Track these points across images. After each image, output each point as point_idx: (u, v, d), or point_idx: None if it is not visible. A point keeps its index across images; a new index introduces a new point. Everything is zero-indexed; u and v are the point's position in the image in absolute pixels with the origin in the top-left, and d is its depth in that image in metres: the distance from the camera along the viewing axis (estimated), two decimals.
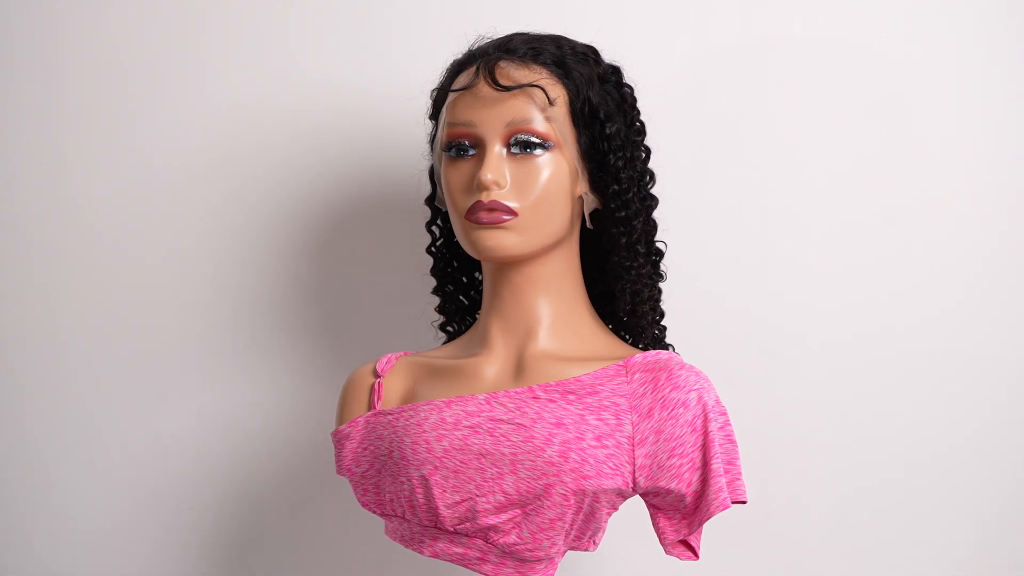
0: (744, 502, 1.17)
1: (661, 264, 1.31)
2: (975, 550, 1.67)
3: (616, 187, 1.21)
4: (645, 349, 1.30)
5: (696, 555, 1.21)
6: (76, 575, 1.69)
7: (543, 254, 1.22)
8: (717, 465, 1.15)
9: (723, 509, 1.14)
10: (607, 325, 1.33)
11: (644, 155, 1.27)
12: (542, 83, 1.18)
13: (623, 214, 1.22)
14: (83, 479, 1.68)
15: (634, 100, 1.27)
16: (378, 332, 1.65)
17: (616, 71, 1.26)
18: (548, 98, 1.17)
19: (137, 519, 1.68)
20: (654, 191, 1.29)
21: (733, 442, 1.19)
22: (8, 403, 1.69)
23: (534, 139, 1.17)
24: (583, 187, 1.22)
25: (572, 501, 1.15)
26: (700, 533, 1.21)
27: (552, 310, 1.24)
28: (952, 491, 1.67)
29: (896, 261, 1.65)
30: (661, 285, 1.32)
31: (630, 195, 1.22)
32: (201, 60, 1.66)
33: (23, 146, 1.67)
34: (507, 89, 1.17)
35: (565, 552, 1.21)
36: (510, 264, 1.22)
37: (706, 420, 1.16)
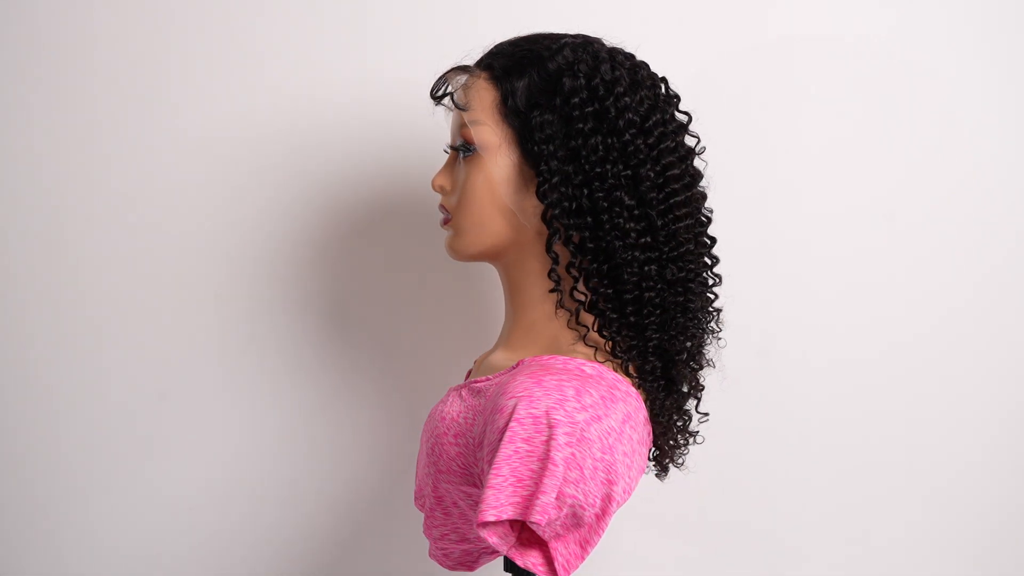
0: (536, 522, 1.05)
1: (625, 276, 1.14)
2: (976, 557, 1.68)
3: (539, 179, 1.15)
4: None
5: (553, 572, 1.10)
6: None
7: (504, 255, 1.21)
8: (492, 475, 1.06)
9: (478, 524, 1.05)
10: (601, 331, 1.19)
11: (600, 147, 1.13)
12: (464, 87, 1.19)
13: (543, 207, 1.15)
14: (83, 480, 1.68)
15: (584, 89, 1.14)
16: (390, 335, 1.65)
17: (571, 59, 1.16)
18: (455, 103, 1.19)
19: (137, 520, 1.68)
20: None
21: (550, 459, 1.05)
22: (11, 405, 1.68)
23: (461, 143, 1.20)
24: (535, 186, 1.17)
25: (434, 495, 1.20)
26: (576, 554, 1.10)
27: (519, 310, 1.23)
28: (954, 495, 1.68)
29: (900, 262, 1.66)
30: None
31: (545, 187, 1.13)
32: (211, 59, 1.65)
33: (31, 145, 1.66)
34: (436, 99, 1.22)
35: (488, 553, 1.21)
36: (492, 266, 1.26)
37: (506, 428, 1.07)
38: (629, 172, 1.14)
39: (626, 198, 1.13)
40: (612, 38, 1.21)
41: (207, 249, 1.65)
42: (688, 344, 1.21)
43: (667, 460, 1.29)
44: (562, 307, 1.18)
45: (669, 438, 1.26)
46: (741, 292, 1.62)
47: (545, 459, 1.05)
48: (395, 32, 1.63)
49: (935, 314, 1.66)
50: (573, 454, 1.06)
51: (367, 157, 1.63)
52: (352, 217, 1.64)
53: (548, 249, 1.15)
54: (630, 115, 1.14)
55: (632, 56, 1.20)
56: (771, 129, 1.65)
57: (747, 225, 1.64)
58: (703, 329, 1.24)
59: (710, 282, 1.23)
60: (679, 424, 1.27)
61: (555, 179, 1.13)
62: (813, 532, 1.68)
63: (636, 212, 1.14)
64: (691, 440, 1.29)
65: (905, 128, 1.65)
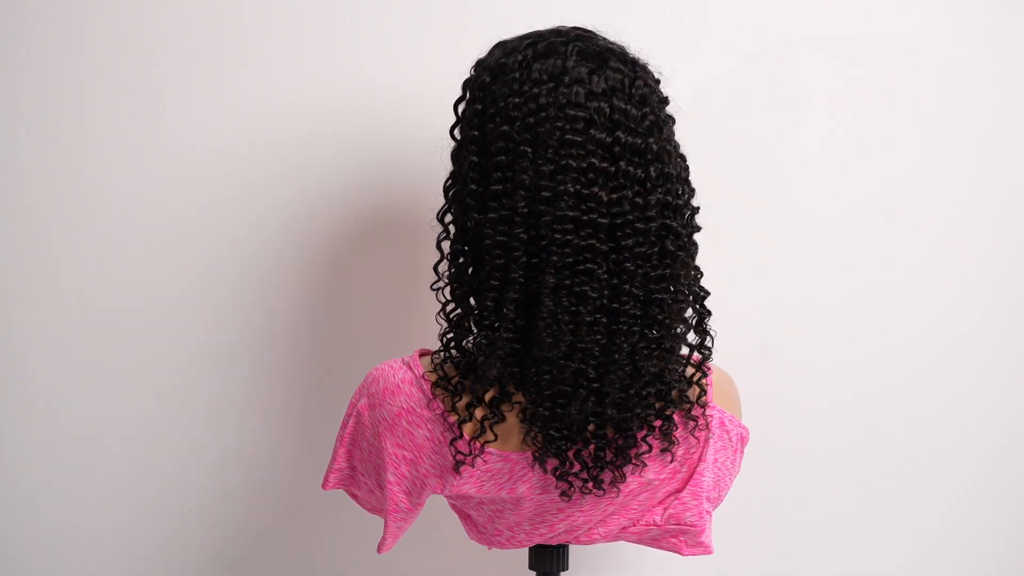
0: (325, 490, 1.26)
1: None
2: (976, 552, 1.68)
3: None
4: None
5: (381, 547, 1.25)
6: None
7: None
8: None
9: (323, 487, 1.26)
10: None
11: (463, 139, 1.14)
12: None
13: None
14: (82, 480, 1.68)
15: (474, 80, 1.15)
16: (392, 337, 1.65)
17: (489, 54, 1.16)
18: None
19: (135, 522, 1.68)
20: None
21: (336, 437, 1.24)
22: (10, 405, 1.68)
23: None
24: None
25: None
26: (391, 535, 1.22)
27: None
28: (953, 492, 1.69)
29: (901, 262, 1.66)
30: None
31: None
32: (204, 64, 1.64)
33: (38, 142, 1.65)
34: None
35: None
36: None
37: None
38: (458, 165, 1.16)
39: (459, 189, 1.15)
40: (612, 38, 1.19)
41: (207, 251, 1.65)
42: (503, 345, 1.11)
43: (568, 473, 1.14)
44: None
45: (563, 448, 1.13)
46: (740, 293, 1.64)
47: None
48: (393, 35, 1.62)
49: (938, 318, 1.67)
50: (354, 435, 1.21)
51: (365, 160, 1.63)
52: (355, 219, 1.64)
53: (437, 244, 1.18)
54: (477, 106, 1.12)
55: (583, 40, 1.12)
56: (770, 132, 1.65)
57: (746, 225, 1.64)
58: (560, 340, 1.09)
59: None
60: (568, 434, 1.13)
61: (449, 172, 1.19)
62: (813, 534, 1.68)
63: (466, 205, 1.13)
64: (602, 460, 1.15)
65: (904, 132, 1.65)
